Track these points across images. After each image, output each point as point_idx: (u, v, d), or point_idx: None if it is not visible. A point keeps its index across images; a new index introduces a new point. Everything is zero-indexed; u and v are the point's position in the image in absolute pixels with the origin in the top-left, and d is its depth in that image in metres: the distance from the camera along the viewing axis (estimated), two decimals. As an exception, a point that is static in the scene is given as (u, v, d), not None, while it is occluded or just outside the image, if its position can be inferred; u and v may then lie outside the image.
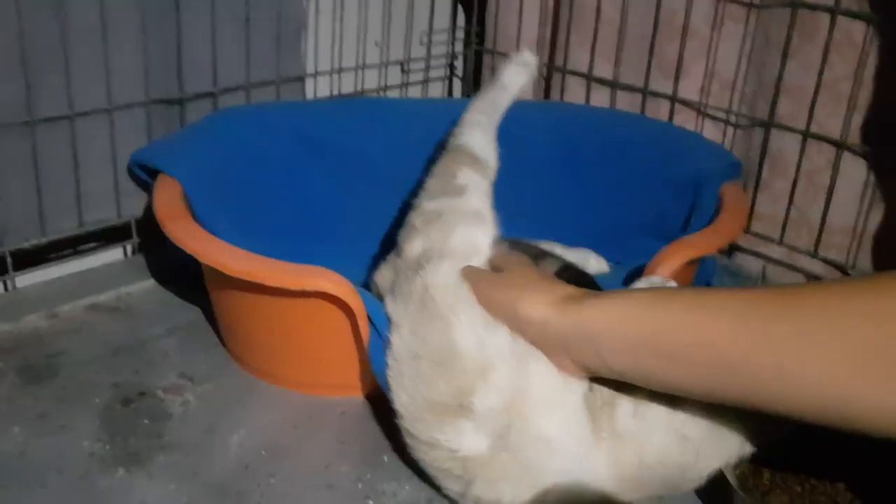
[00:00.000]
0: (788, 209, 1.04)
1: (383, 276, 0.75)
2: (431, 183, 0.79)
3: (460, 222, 0.73)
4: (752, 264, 1.09)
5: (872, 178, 0.98)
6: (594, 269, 0.91)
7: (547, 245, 0.90)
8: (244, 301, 0.78)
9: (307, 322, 0.75)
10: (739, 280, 1.07)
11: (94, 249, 0.98)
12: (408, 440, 0.66)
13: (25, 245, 0.90)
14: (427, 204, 0.76)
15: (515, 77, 0.92)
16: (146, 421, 0.75)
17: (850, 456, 0.65)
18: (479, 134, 0.83)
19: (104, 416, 0.75)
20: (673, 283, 0.71)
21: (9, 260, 0.90)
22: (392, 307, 0.70)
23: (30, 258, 0.92)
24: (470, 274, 0.68)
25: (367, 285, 0.77)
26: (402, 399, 0.66)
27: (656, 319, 0.56)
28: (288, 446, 0.73)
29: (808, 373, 0.50)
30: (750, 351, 0.52)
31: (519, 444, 0.62)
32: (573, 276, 0.78)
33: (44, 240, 0.91)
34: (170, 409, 0.77)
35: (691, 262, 0.78)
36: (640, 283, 0.71)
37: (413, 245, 0.72)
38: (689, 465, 0.64)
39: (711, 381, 0.55)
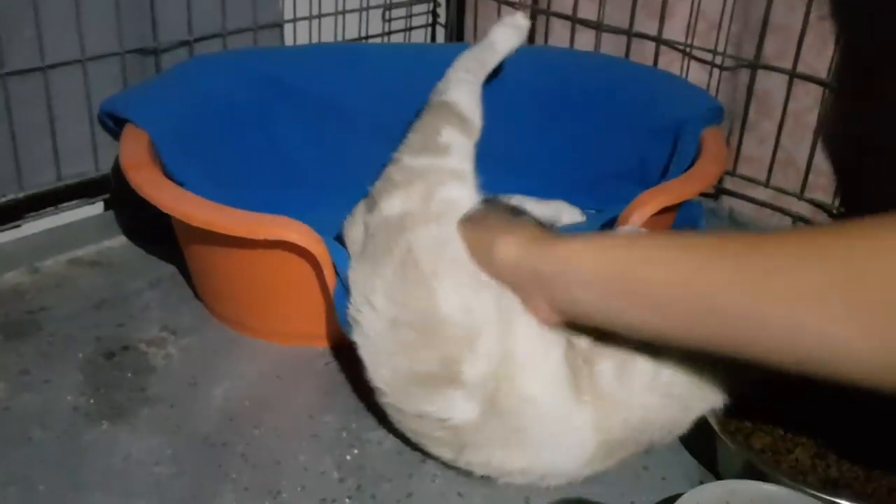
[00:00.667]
0: (775, 151, 1.03)
1: (352, 233, 0.74)
2: (414, 138, 0.76)
3: (443, 182, 0.71)
4: (739, 207, 1.09)
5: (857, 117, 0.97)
6: (568, 220, 0.90)
7: (519, 199, 0.89)
8: (214, 253, 0.78)
9: (277, 272, 0.75)
10: (727, 223, 1.06)
11: (73, 203, 0.96)
12: (393, 414, 0.65)
13: (3, 200, 0.89)
14: (409, 159, 0.74)
15: (505, 40, 0.92)
16: (129, 374, 0.75)
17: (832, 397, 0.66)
18: (465, 92, 0.82)
19: (87, 371, 0.75)
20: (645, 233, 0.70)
21: (-14, 216, 0.89)
22: (358, 273, 0.68)
23: (8, 214, 0.90)
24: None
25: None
26: (383, 374, 0.65)
27: (627, 257, 0.57)
28: (272, 398, 0.73)
29: (779, 313, 0.50)
30: (722, 290, 0.52)
31: (508, 407, 0.61)
32: None
33: (21, 195, 0.89)
34: (153, 363, 0.76)
35: (668, 209, 0.78)
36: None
37: (392, 202, 0.70)
38: (676, 421, 0.64)
39: (681, 321, 0.54)
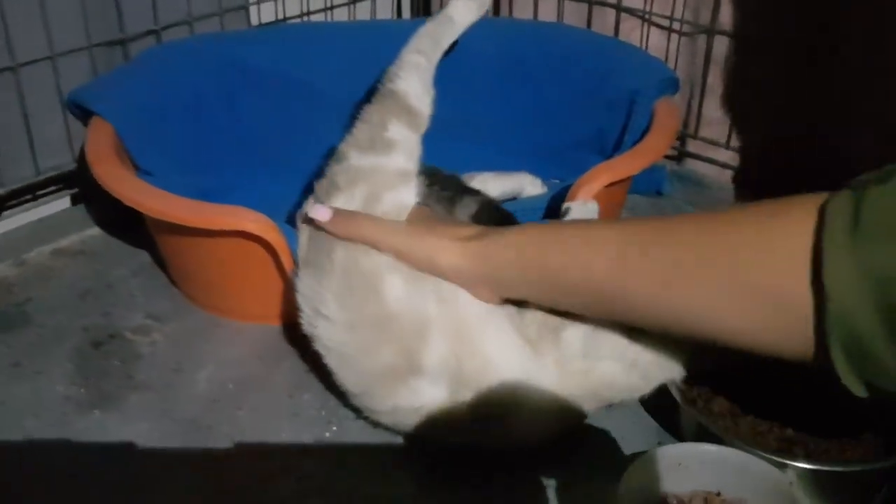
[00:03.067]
0: (733, 113, 1.06)
1: (300, 234, 0.73)
2: (360, 131, 0.76)
3: (388, 187, 0.72)
4: (702, 169, 1.12)
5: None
6: (530, 192, 0.92)
7: (481, 177, 0.91)
8: (183, 242, 0.80)
9: (242, 258, 0.77)
10: (690, 185, 1.10)
11: (53, 195, 0.99)
12: (367, 412, 0.69)
13: (-16, 197, 0.92)
14: (353, 158, 0.74)
15: (466, 12, 0.90)
16: (117, 363, 0.78)
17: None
18: (416, 79, 0.80)
19: (77, 360, 0.78)
20: (593, 205, 0.74)
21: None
22: (305, 285, 0.69)
23: (-10, 209, 0.93)
24: (383, 229, 0.68)
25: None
26: (350, 379, 0.68)
27: (547, 260, 0.62)
28: (253, 379, 0.76)
29: (676, 301, 0.57)
30: (626, 284, 0.59)
31: (476, 376, 0.64)
32: (492, 215, 0.78)
33: (2, 191, 0.92)
34: (139, 350, 0.80)
35: (620, 182, 0.81)
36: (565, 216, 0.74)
37: (333, 205, 0.71)
38: (636, 388, 0.68)
39: (600, 308, 0.62)
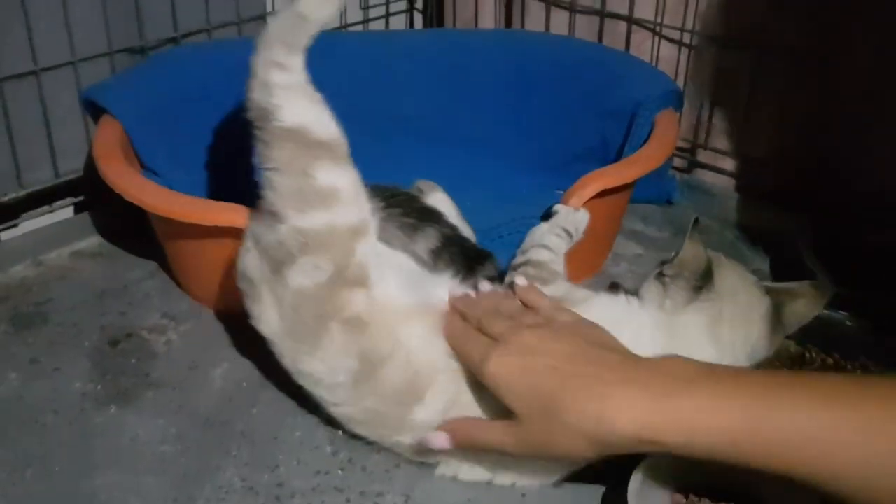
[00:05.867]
0: (744, 123, 1.07)
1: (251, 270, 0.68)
2: (284, 183, 0.65)
3: (353, 249, 0.65)
4: (712, 179, 1.13)
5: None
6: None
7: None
8: (187, 242, 0.82)
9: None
10: (700, 195, 1.10)
11: (71, 198, 1.00)
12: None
13: (4, 199, 0.93)
14: (296, 218, 0.64)
15: (318, 6, 0.69)
16: (133, 361, 0.80)
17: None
18: (303, 100, 0.67)
19: (94, 358, 0.80)
20: (584, 214, 0.74)
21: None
22: (287, 352, 0.67)
23: (9, 212, 0.95)
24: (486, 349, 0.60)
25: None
26: (358, 427, 0.68)
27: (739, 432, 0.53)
28: (267, 377, 0.77)
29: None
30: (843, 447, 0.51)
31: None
32: (458, 249, 0.75)
33: (22, 192, 0.94)
34: (155, 349, 0.81)
35: (620, 189, 0.81)
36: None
37: (297, 277, 0.64)
38: None
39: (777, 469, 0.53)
